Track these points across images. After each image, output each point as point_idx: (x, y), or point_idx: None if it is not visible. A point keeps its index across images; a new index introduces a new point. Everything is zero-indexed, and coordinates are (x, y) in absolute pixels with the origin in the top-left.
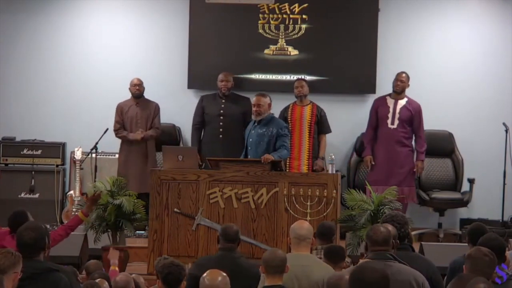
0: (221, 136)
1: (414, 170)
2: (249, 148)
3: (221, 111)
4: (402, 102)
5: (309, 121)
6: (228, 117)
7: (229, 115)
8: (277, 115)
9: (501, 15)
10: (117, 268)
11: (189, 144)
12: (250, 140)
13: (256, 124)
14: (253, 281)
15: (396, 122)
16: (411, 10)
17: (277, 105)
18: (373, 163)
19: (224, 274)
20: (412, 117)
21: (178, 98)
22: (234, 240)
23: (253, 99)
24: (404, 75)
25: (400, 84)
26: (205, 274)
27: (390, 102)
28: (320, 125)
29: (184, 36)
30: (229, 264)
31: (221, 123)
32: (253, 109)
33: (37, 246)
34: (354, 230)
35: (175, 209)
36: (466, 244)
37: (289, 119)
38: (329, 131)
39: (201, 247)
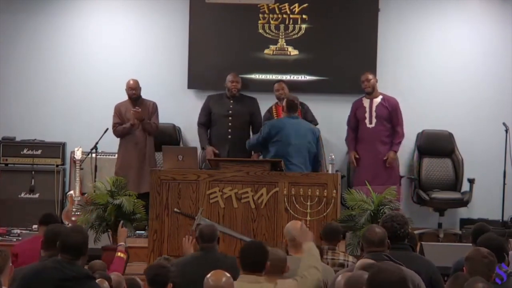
0: (229, 136)
1: (385, 159)
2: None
3: (230, 112)
4: (377, 100)
5: None
6: (236, 118)
7: (237, 115)
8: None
9: (501, 15)
10: (123, 255)
11: (190, 144)
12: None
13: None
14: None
15: (374, 120)
16: (411, 10)
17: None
18: (357, 156)
19: (228, 275)
20: (390, 113)
21: (178, 98)
22: (212, 239)
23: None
24: (368, 74)
25: (367, 84)
26: (209, 275)
27: (366, 102)
28: (308, 120)
29: (184, 36)
30: (209, 264)
31: (229, 124)
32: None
33: (81, 250)
34: (354, 230)
35: (175, 209)
36: (466, 244)
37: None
38: (316, 123)
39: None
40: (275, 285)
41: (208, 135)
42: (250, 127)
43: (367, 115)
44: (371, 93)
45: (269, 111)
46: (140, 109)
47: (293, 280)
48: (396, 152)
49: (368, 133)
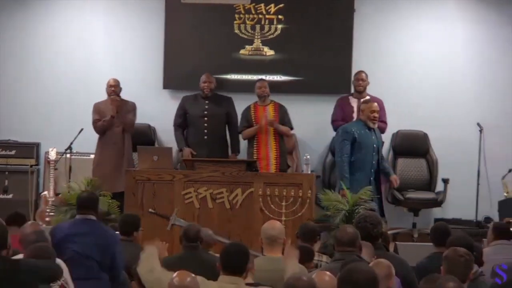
0: (206, 137)
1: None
2: (373, 154)
3: (205, 112)
4: None
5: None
6: (212, 118)
7: (213, 115)
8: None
9: (475, 14)
10: None
11: (166, 144)
12: (375, 146)
13: (368, 130)
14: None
15: None
16: (386, 11)
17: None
18: None
19: (193, 275)
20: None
21: (153, 99)
22: (196, 239)
23: (373, 104)
24: (363, 74)
25: (362, 83)
26: (174, 275)
27: (353, 101)
28: (282, 123)
29: (159, 36)
30: (193, 263)
31: (205, 124)
32: (372, 115)
33: None
34: (329, 230)
35: (150, 210)
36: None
37: (253, 120)
38: (292, 127)
39: (176, 247)
40: None
41: (185, 136)
42: (227, 127)
43: (354, 115)
44: (362, 93)
45: (247, 110)
46: (119, 98)
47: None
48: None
49: None
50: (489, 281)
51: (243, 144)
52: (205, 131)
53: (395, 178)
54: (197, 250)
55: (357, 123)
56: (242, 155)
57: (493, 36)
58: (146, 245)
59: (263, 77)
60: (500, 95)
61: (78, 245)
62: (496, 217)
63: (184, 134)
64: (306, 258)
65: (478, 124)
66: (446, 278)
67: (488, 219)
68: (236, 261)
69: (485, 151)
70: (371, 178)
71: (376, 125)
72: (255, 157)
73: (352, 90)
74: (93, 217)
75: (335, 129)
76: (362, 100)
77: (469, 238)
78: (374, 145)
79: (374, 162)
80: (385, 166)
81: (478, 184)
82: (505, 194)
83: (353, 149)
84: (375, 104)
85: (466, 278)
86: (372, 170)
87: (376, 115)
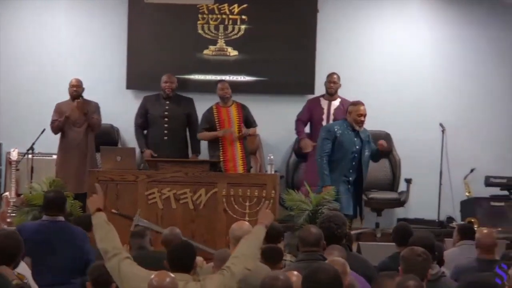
0: (166, 137)
1: None
2: (355, 155)
3: (166, 113)
4: (335, 103)
5: (238, 121)
6: (173, 119)
7: (173, 116)
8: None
9: (438, 16)
10: None
11: (129, 144)
12: (357, 147)
13: (352, 131)
14: None
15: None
16: (350, 12)
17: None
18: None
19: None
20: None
21: (116, 99)
22: (142, 236)
23: (360, 108)
24: (335, 76)
25: (334, 86)
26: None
27: (324, 103)
28: (248, 123)
29: (123, 36)
30: (144, 262)
31: (165, 125)
32: (359, 118)
33: None
34: (292, 230)
35: (113, 210)
36: None
37: (216, 121)
38: (256, 124)
39: None
40: (202, 282)
41: (145, 136)
42: (187, 128)
43: (324, 116)
44: (333, 95)
45: (209, 111)
46: (81, 100)
47: (219, 274)
48: None
49: None
50: (450, 281)
51: (204, 144)
52: (166, 131)
53: (381, 142)
54: (146, 249)
55: (342, 123)
56: (203, 155)
57: (456, 36)
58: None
59: (227, 77)
60: (462, 96)
61: (46, 249)
62: (458, 217)
63: (144, 135)
64: (275, 258)
65: (441, 125)
66: (407, 277)
67: (450, 219)
68: (183, 259)
69: (448, 152)
70: (350, 179)
71: (362, 128)
72: (221, 159)
73: (324, 92)
74: (62, 218)
75: (296, 127)
76: (338, 102)
77: (430, 238)
78: (357, 147)
79: (354, 163)
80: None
81: (440, 184)
82: (467, 194)
83: (333, 148)
84: (363, 107)
85: (424, 277)
86: (351, 171)
87: (363, 118)
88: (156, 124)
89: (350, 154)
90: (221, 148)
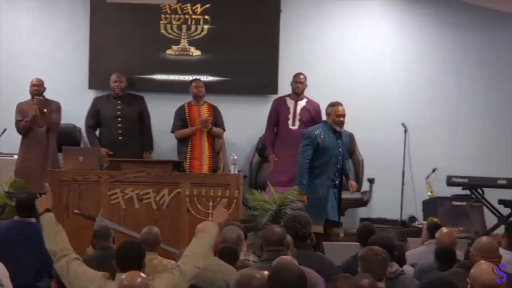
0: (120, 137)
1: None
2: (338, 158)
3: (118, 112)
4: (302, 103)
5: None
6: (126, 118)
7: (126, 115)
8: (170, 115)
9: (401, 15)
10: None
11: (90, 145)
12: (340, 150)
13: (333, 134)
14: None
15: (297, 123)
16: (313, 12)
17: (178, 105)
18: (276, 159)
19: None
20: (313, 117)
21: (78, 99)
22: (107, 238)
23: (339, 108)
24: (302, 76)
25: (300, 86)
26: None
27: (290, 103)
28: (216, 125)
29: (85, 35)
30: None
31: (119, 125)
32: (339, 119)
33: None
34: (256, 230)
35: (75, 210)
36: None
37: (187, 119)
38: (224, 129)
39: None
40: (151, 282)
41: (98, 137)
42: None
43: (290, 116)
44: (299, 95)
45: (181, 109)
46: (42, 99)
47: (168, 273)
48: None
49: (289, 135)
50: (410, 279)
51: (171, 143)
52: (120, 131)
53: (352, 184)
54: (110, 249)
55: (322, 126)
56: (172, 154)
57: (417, 37)
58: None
59: (190, 77)
60: (424, 96)
61: (14, 249)
62: (420, 217)
63: (96, 135)
64: (230, 259)
65: (403, 125)
66: (361, 276)
67: (412, 219)
68: (131, 258)
69: (410, 151)
70: (336, 182)
71: (342, 129)
72: (188, 157)
73: (288, 92)
74: (33, 220)
75: (265, 135)
76: (304, 102)
77: (389, 238)
78: (340, 149)
79: (338, 165)
80: (346, 169)
81: (403, 184)
82: (429, 193)
83: (317, 154)
84: (341, 107)
85: (382, 276)
86: (336, 174)
87: (342, 119)
88: (109, 124)
89: (334, 158)
90: (189, 145)
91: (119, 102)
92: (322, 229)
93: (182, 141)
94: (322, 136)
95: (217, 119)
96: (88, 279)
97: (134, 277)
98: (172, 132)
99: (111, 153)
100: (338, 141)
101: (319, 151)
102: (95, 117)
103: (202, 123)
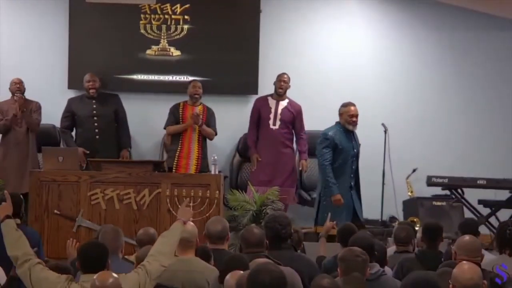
0: (97, 137)
1: (300, 169)
2: (353, 158)
3: (94, 112)
4: (283, 103)
5: (201, 122)
6: (102, 117)
7: (102, 115)
8: (160, 115)
9: (379, 15)
10: None
11: (66, 145)
12: (354, 150)
13: (347, 134)
14: None
15: (278, 123)
16: (292, 12)
17: (160, 106)
18: (260, 159)
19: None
20: (294, 118)
21: (58, 99)
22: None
23: (351, 108)
24: (286, 75)
25: (284, 85)
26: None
27: (272, 103)
28: (210, 126)
29: (64, 35)
30: None
31: (95, 124)
32: (351, 119)
33: None
34: (236, 231)
35: (55, 211)
36: None
37: (180, 118)
38: (216, 132)
39: None
40: None
41: (74, 138)
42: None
43: (271, 116)
44: (282, 95)
45: (176, 107)
46: (23, 97)
47: (134, 273)
48: (306, 160)
49: (270, 134)
50: (392, 280)
51: (150, 143)
52: (96, 130)
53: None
54: None
55: (336, 126)
56: (152, 154)
57: (397, 36)
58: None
59: (170, 77)
60: (404, 96)
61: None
62: (401, 217)
63: (72, 135)
64: (203, 258)
65: (383, 125)
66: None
67: (393, 219)
68: (93, 259)
69: (390, 152)
70: (351, 183)
71: (355, 128)
72: (177, 156)
73: (268, 92)
74: (18, 221)
75: (248, 135)
76: (286, 103)
77: (369, 238)
78: (355, 150)
79: (353, 167)
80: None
81: (383, 184)
82: (409, 194)
83: (335, 155)
84: (354, 107)
85: (363, 277)
86: (352, 175)
87: (355, 119)
88: (85, 124)
89: (349, 158)
90: (179, 143)
91: (94, 101)
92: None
93: (173, 139)
94: (337, 137)
95: (209, 121)
96: (52, 282)
97: (105, 277)
98: (165, 128)
99: (88, 152)
100: (353, 142)
101: (337, 152)
102: (70, 118)
103: (193, 117)
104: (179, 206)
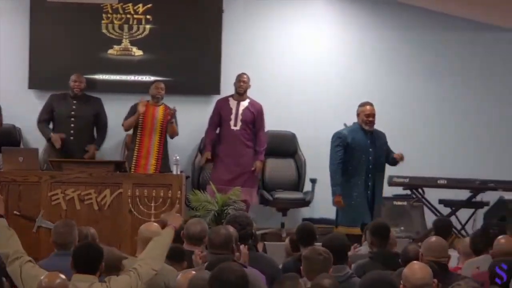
0: (72, 137)
1: (253, 169)
2: (369, 158)
3: (73, 112)
4: (244, 104)
5: (161, 122)
6: (79, 118)
7: (80, 116)
8: (123, 115)
9: (343, 15)
10: None
11: (31, 145)
12: (371, 150)
13: (364, 133)
14: None
15: (239, 123)
16: (255, 12)
17: (122, 106)
18: (209, 157)
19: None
20: (255, 118)
21: (18, 98)
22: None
23: (367, 108)
24: (245, 76)
25: (243, 85)
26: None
27: (233, 103)
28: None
29: (24, 35)
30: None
31: (72, 125)
32: (368, 119)
33: None
34: None
35: (15, 212)
36: None
37: (140, 117)
38: (177, 132)
39: (43, 249)
40: (107, 284)
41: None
42: (95, 128)
43: (232, 116)
44: (242, 95)
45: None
46: None
47: (125, 275)
48: (262, 161)
49: (231, 135)
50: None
51: (112, 142)
52: (72, 131)
53: (397, 155)
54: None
55: (354, 126)
56: (114, 153)
57: (361, 37)
58: None
59: (132, 77)
60: (366, 96)
61: None
62: None
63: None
64: (177, 258)
65: (345, 125)
66: (322, 276)
67: None
68: (88, 260)
69: None
70: (369, 183)
71: (372, 128)
72: (135, 155)
73: (231, 92)
74: None
75: (206, 133)
76: (247, 103)
77: (342, 239)
78: (370, 149)
79: (370, 166)
80: (388, 162)
81: None
82: None
83: (348, 154)
84: (370, 107)
85: None
86: (370, 175)
87: (371, 118)
88: (62, 123)
89: (364, 158)
90: (137, 142)
91: (75, 101)
92: (360, 231)
93: (133, 139)
94: (352, 136)
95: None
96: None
97: (53, 278)
98: (122, 124)
99: (63, 136)
100: (369, 141)
101: (349, 151)
102: (49, 113)
103: (171, 114)
104: (141, 206)
